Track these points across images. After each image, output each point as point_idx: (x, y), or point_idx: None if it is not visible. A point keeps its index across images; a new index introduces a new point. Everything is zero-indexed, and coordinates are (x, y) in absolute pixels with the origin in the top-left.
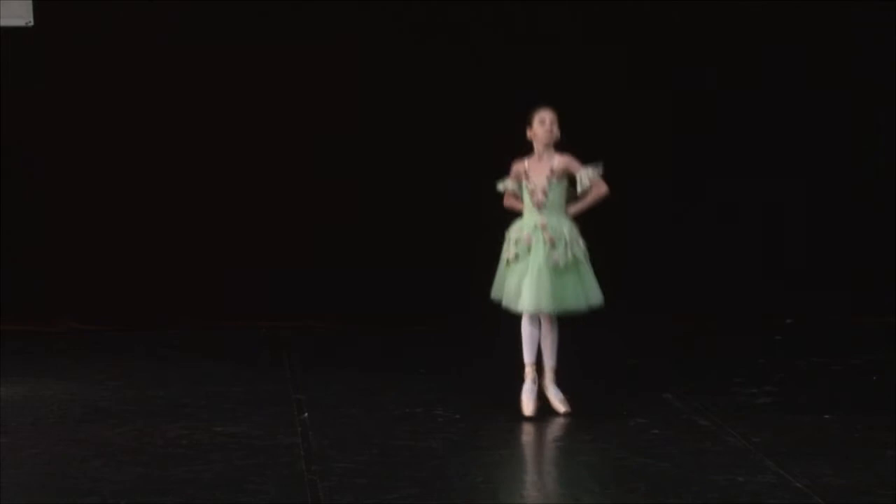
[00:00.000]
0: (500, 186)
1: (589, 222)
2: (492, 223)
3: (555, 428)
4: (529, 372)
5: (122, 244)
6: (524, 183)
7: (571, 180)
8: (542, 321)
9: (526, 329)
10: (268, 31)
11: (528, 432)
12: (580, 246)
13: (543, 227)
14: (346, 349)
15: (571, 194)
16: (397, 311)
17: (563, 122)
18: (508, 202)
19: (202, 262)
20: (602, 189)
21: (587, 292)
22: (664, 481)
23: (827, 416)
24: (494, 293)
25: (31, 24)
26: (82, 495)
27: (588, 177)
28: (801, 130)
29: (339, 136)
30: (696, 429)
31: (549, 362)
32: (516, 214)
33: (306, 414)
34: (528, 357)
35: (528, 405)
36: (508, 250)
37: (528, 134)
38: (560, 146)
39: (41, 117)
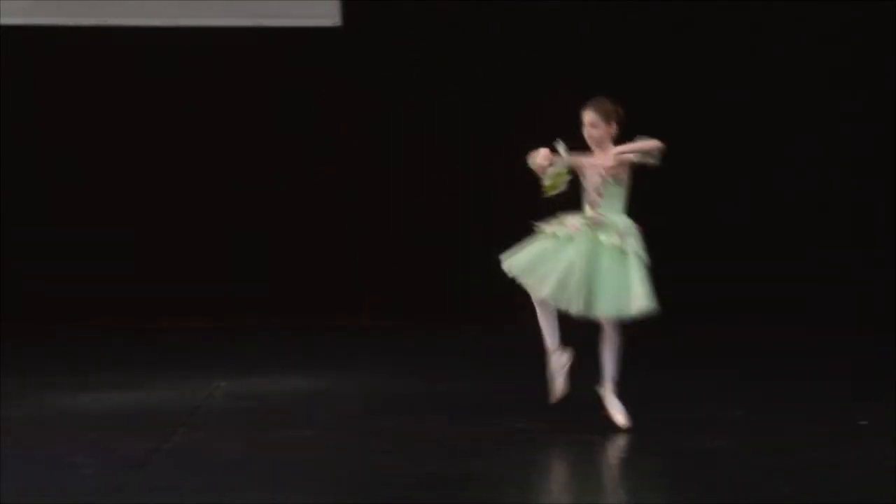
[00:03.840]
0: (560, 148)
1: None
2: None
3: None
4: (555, 349)
5: None
6: (582, 178)
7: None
8: (604, 325)
9: (540, 311)
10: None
11: None
12: (632, 242)
13: (595, 220)
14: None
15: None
16: None
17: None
18: (541, 160)
19: None
20: (653, 141)
21: (629, 296)
22: None
23: None
24: (510, 264)
25: (339, 24)
26: (379, 487)
27: (642, 142)
28: None
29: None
30: None
31: (608, 372)
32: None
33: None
34: (550, 339)
35: (558, 387)
36: (550, 227)
37: None
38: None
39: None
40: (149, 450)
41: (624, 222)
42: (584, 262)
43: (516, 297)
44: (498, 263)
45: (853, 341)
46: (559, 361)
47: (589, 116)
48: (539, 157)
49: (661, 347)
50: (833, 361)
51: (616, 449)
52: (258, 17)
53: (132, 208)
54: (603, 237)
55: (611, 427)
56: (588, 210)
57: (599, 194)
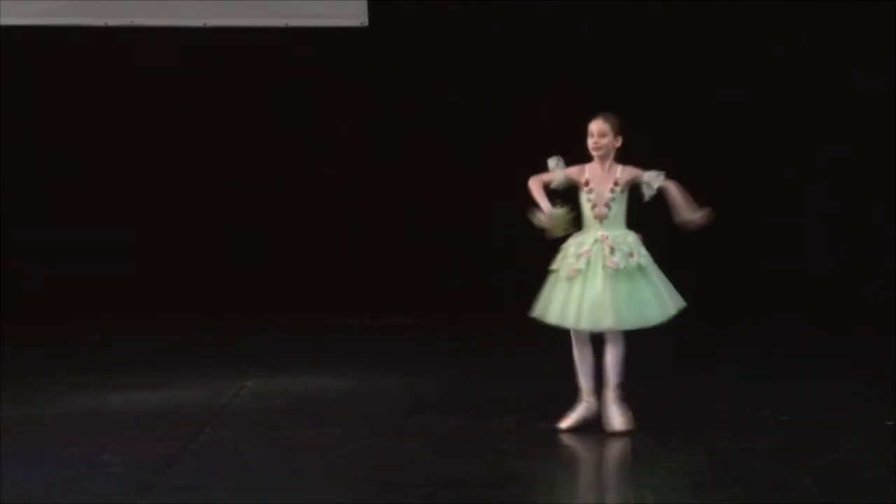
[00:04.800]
0: (552, 164)
1: None
2: None
3: None
4: (587, 397)
5: None
6: (583, 192)
7: (632, 191)
8: (606, 335)
9: (576, 352)
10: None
11: None
12: (643, 254)
13: (604, 239)
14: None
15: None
16: None
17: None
18: (535, 184)
19: None
20: (673, 183)
21: (660, 304)
22: None
23: None
24: (540, 310)
25: (366, 24)
26: (410, 488)
27: (653, 178)
28: None
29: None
30: None
31: (612, 379)
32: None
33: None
34: (584, 382)
35: (567, 420)
36: (566, 264)
37: None
38: (624, 152)
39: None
40: (176, 449)
41: (631, 236)
42: (603, 288)
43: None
44: (524, 261)
45: (880, 341)
46: (586, 408)
47: (598, 126)
48: (544, 220)
49: (687, 346)
50: (859, 361)
51: (640, 448)
52: (286, 17)
53: (134, 208)
54: (617, 259)
55: (636, 428)
56: (594, 225)
57: (609, 207)
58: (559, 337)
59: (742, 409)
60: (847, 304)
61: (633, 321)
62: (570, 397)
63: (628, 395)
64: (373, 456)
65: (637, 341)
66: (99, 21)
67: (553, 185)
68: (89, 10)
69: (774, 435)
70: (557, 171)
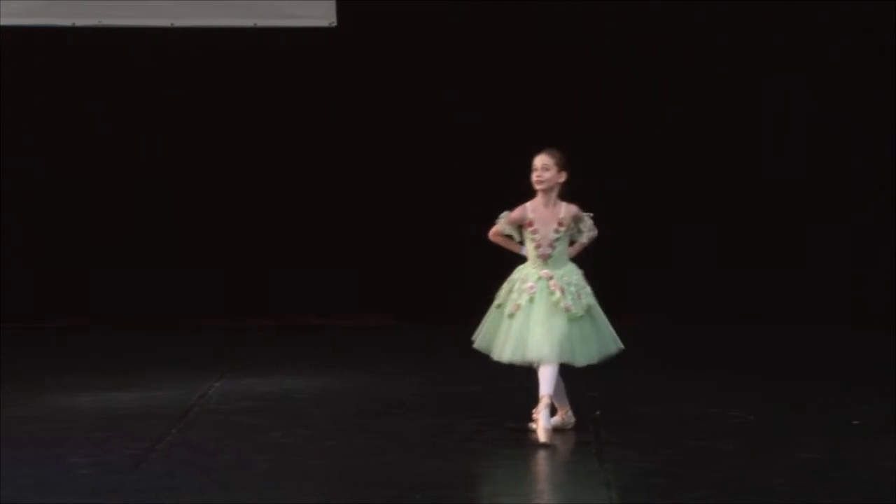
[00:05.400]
0: (501, 222)
1: None
2: None
3: None
4: (562, 414)
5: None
6: (527, 232)
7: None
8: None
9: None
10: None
11: None
12: (589, 293)
13: (549, 278)
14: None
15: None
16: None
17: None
18: (496, 238)
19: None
20: (594, 232)
21: (604, 341)
22: None
23: None
24: (480, 342)
25: (335, 24)
26: (379, 488)
27: (589, 226)
28: None
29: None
30: None
31: (543, 389)
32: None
33: (598, 412)
34: (555, 402)
35: (547, 432)
36: (511, 300)
37: None
38: (569, 187)
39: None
40: (144, 450)
41: (575, 275)
42: (555, 314)
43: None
44: (497, 263)
45: (850, 340)
46: (566, 422)
47: (542, 160)
48: (495, 237)
49: (661, 348)
50: (823, 361)
51: (608, 448)
52: (255, 17)
53: (104, 208)
54: (566, 302)
55: (605, 428)
56: (538, 263)
57: (553, 247)
58: None
59: (709, 409)
60: (811, 303)
61: (571, 357)
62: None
63: (594, 396)
64: (342, 456)
65: None
66: (66, 21)
67: (506, 234)
68: (56, 10)
69: (742, 435)
70: (503, 226)
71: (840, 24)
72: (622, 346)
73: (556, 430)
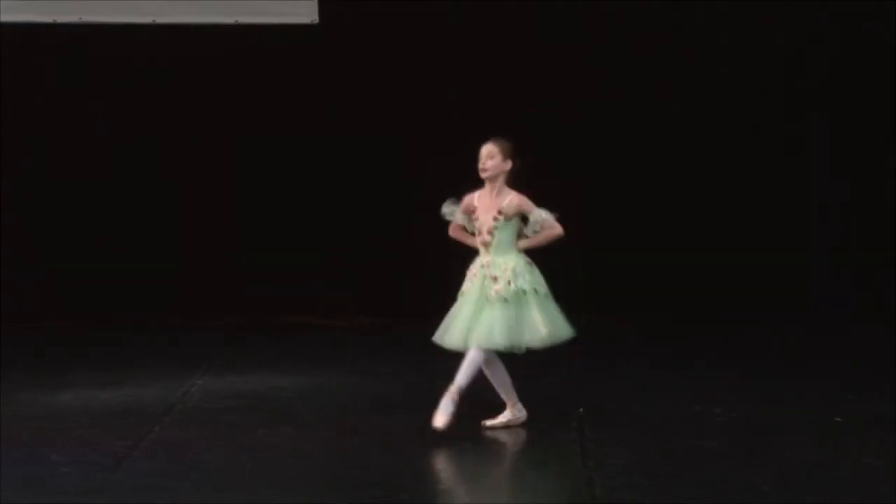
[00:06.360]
0: (446, 213)
1: None
2: None
3: None
4: (510, 409)
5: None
6: (471, 220)
7: (525, 218)
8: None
9: (487, 371)
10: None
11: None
12: (527, 279)
13: (487, 266)
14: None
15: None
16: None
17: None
18: (454, 233)
19: None
20: (556, 231)
21: (536, 325)
22: None
23: None
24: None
25: (317, 21)
26: (365, 487)
27: (540, 220)
28: None
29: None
30: None
31: (459, 378)
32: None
33: (581, 409)
34: (504, 397)
35: (439, 419)
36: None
37: None
38: (521, 177)
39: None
40: (126, 448)
41: (516, 261)
42: (477, 307)
43: None
44: None
45: (826, 339)
46: (516, 416)
47: (487, 149)
48: (453, 233)
49: (638, 345)
50: (806, 359)
51: (592, 445)
52: (236, 14)
53: (83, 208)
54: (496, 287)
55: (587, 424)
56: (482, 251)
57: (491, 235)
58: None
59: (692, 407)
60: (799, 303)
61: (489, 341)
62: (526, 398)
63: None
64: (327, 455)
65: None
66: (47, 18)
67: (462, 225)
68: (37, 7)
69: (725, 433)
70: (455, 216)
71: (840, 24)
72: (569, 332)
73: (510, 427)
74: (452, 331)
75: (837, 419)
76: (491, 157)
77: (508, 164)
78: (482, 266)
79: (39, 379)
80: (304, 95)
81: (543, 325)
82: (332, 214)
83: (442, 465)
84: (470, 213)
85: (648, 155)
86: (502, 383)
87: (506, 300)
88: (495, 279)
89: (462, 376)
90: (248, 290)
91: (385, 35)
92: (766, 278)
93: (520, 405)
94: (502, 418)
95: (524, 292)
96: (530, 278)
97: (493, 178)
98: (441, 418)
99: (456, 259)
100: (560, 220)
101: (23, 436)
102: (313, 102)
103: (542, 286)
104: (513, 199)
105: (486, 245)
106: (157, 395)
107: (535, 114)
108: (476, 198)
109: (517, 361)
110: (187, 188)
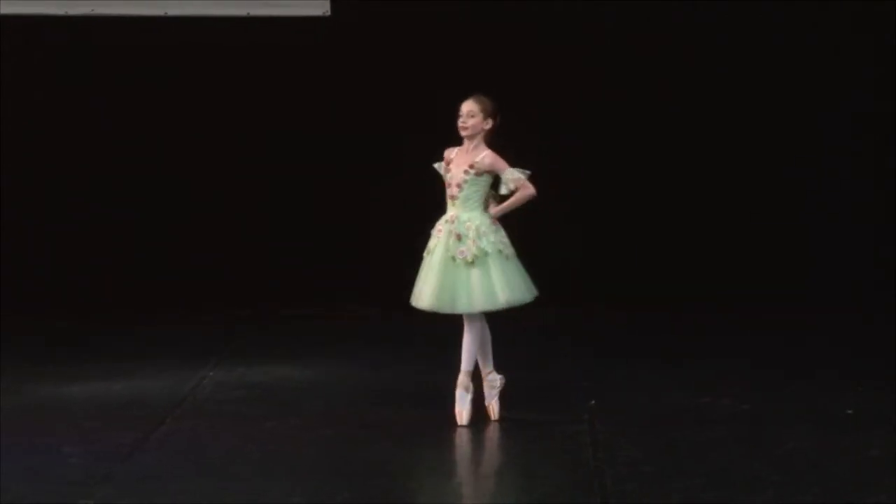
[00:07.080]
0: (438, 167)
1: None
2: None
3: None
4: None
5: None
6: (444, 172)
7: (498, 180)
8: (464, 319)
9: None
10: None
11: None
12: (491, 241)
13: (451, 221)
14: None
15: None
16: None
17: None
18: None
19: None
20: (528, 191)
21: (494, 289)
22: None
23: None
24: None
25: (328, 13)
26: (371, 477)
27: (513, 179)
28: None
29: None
30: None
31: (463, 366)
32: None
33: (593, 402)
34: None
35: (460, 415)
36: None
37: None
38: (502, 138)
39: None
40: (136, 440)
41: (481, 220)
42: (442, 267)
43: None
44: None
45: (842, 329)
46: (501, 382)
47: (468, 106)
48: None
49: (644, 335)
50: (817, 351)
51: (600, 437)
52: (248, 6)
53: (88, 201)
54: (460, 248)
55: (596, 417)
56: (449, 204)
57: (460, 188)
58: (521, 327)
59: (701, 398)
60: (805, 291)
61: (452, 305)
62: (531, 387)
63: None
64: (335, 446)
65: (594, 330)
66: (59, 11)
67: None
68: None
69: (734, 425)
70: (441, 171)
71: (840, 24)
72: (534, 292)
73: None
74: (423, 293)
75: (849, 411)
76: (472, 115)
77: (489, 124)
78: (447, 222)
79: (48, 371)
80: (311, 89)
81: (501, 290)
82: (339, 206)
83: (451, 456)
84: (446, 164)
85: (648, 155)
86: (483, 348)
87: (470, 263)
88: (459, 238)
89: (465, 361)
90: (257, 283)
91: (397, 29)
92: (771, 272)
93: (494, 372)
94: (494, 396)
95: (486, 254)
96: (494, 239)
97: (471, 137)
98: (463, 414)
99: None
100: (532, 178)
101: (32, 426)
102: (320, 96)
103: (507, 246)
104: (486, 157)
105: (454, 199)
106: (167, 388)
107: (534, 114)
108: (454, 151)
109: (524, 353)
110: (195, 179)
